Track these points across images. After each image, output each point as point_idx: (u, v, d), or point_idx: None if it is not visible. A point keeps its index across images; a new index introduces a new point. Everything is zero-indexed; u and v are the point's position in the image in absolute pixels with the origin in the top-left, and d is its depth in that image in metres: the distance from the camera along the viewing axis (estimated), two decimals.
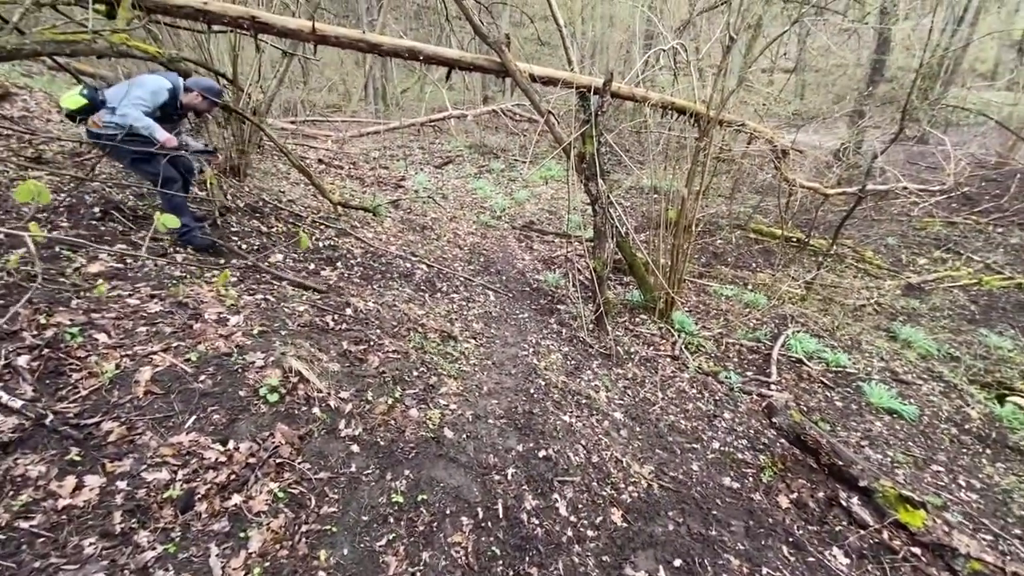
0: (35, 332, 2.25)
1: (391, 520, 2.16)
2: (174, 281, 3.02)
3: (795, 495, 3.16)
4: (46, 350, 2.18)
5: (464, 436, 2.81)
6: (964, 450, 4.08)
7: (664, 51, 5.66)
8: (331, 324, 3.32)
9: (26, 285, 2.48)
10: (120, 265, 2.99)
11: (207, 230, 3.93)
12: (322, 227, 5.19)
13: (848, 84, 15.57)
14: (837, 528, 2.93)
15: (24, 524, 1.62)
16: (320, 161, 8.75)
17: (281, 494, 2.04)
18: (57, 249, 2.88)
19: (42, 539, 1.61)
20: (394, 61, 16.53)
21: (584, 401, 3.66)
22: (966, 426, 4.35)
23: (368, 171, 9.07)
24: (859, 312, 6.63)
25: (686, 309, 5.82)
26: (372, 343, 3.29)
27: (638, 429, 3.59)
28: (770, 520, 2.92)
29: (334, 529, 2.03)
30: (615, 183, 9.58)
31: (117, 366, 2.24)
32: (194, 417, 2.17)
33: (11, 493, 1.68)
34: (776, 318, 5.77)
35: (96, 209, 3.52)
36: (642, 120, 6.88)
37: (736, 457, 3.50)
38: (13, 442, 1.81)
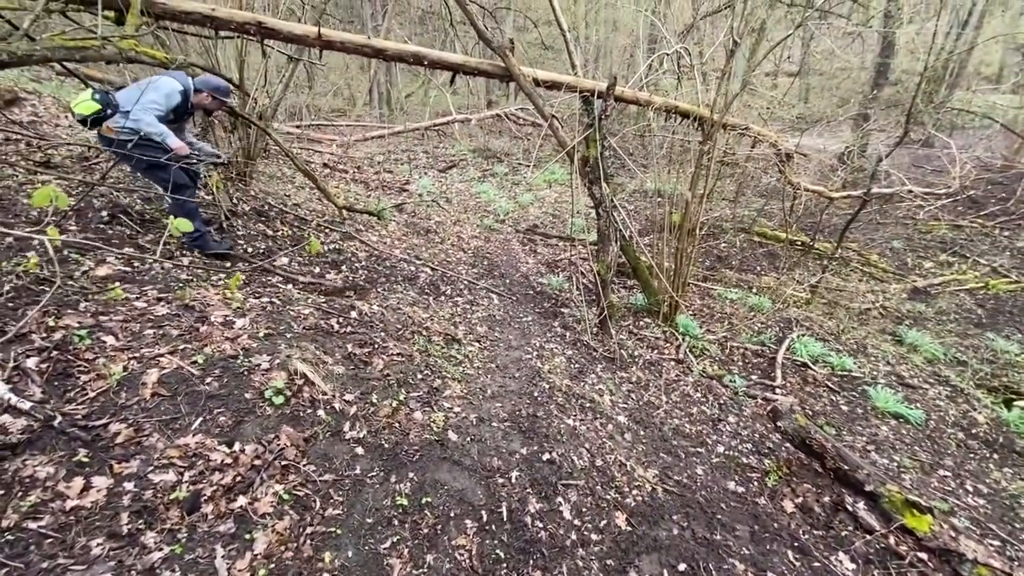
0: (44, 334, 2.27)
1: (395, 523, 2.16)
2: (181, 284, 3.05)
3: (800, 500, 3.15)
4: (55, 352, 2.20)
5: (468, 439, 2.82)
6: (971, 455, 4.05)
7: (668, 55, 5.68)
8: (336, 327, 3.33)
9: (35, 288, 2.51)
10: (128, 268, 3.01)
11: (215, 235, 3.96)
12: (327, 231, 5.22)
13: (852, 88, 15.53)
14: (843, 533, 2.91)
15: (32, 525, 1.63)
16: (325, 165, 8.80)
17: (286, 496, 2.05)
18: (65, 252, 2.91)
19: (50, 540, 1.62)
20: (398, 66, 16.64)
21: (588, 404, 3.65)
22: (973, 431, 4.32)
23: (372, 175, 9.11)
24: (864, 316, 6.60)
25: (690, 313, 5.81)
26: (377, 346, 3.31)
27: (642, 433, 3.59)
28: (775, 525, 2.91)
29: (339, 531, 2.03)
30: (619, 187, 9.59)
31: (125, 368, 2.25)
32: (200, 419, 2.18)
33: (20, 494, 1.70)
34: (781, 322, 5.75)
35: (104, 213, 3.56)
36: (646, 124, 6.89)
37: (741, 461, 3.49)
38: (22, 443, 1.83)
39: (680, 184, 5.39)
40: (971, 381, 5.15)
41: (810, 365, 4.90)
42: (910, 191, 7.50)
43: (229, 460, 2.07)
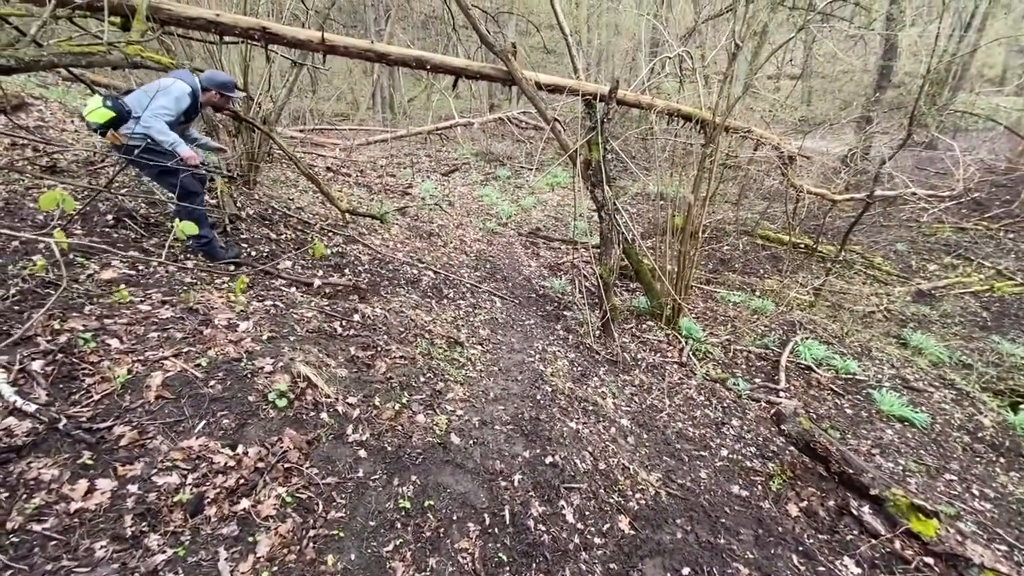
0: (49, 337, 2.28)
1: (398, 525, 2.16)
2: (185, 287, 3.06)
3: (805, 503, 3.13)
4: (60, 355, 2.22)
5: (471, 442, 2.81)
6: (977, 458, 4.02)
7: (670, 58, 5.69)
8: (339, 330, 3.34)
9: (41, 291, 2.52)
10: (132, 272, 3.03)
11: (221, 242, 3.96)
12: (330, 234, 5.24)
13: (855, 90, 15.52)
14: (848, 537, 2.89)
15: (37, 527, 1.64)
16: (328, 169, 8.84)
17: (289, 499, 2.05)
18: (71, 256, 2.93)
19: (54, 542, 1.63)
20: (401, 70, 16.72)
21: (591, 408, 3.65)
22: (979, 434, 4.29)
23: (375, 179, 9.15)
24: (868, 319, 6.57)
25: (693, 315, 5.80)
26: (379, 349, 3.31)
27: (645, 436, 3.57)
28: (779, 529, 2.89)
29: (341, 534, 2.03)
30: (621, 189, 9.60)
31: (129, 371, 2.27)
32: (204, 422, 2.19)
33: (24, 496, 1.71)
34: (784, 324, 5.73)
35: (109, 216, 3.58)
36: (648, 127, 6.90)
37: (745, 465, 3.47)
38: (27, 446, 1.84)
39: (683, 187, 5.39)
40: (977, 384, 5.11)
41: (814, 368, 4.88)
42: (914, 193, 7.46)
43: (232, 463, 2.08)
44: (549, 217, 9.49)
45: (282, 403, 2.42)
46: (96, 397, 2.11)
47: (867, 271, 8.14)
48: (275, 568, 1.80)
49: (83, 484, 1.80)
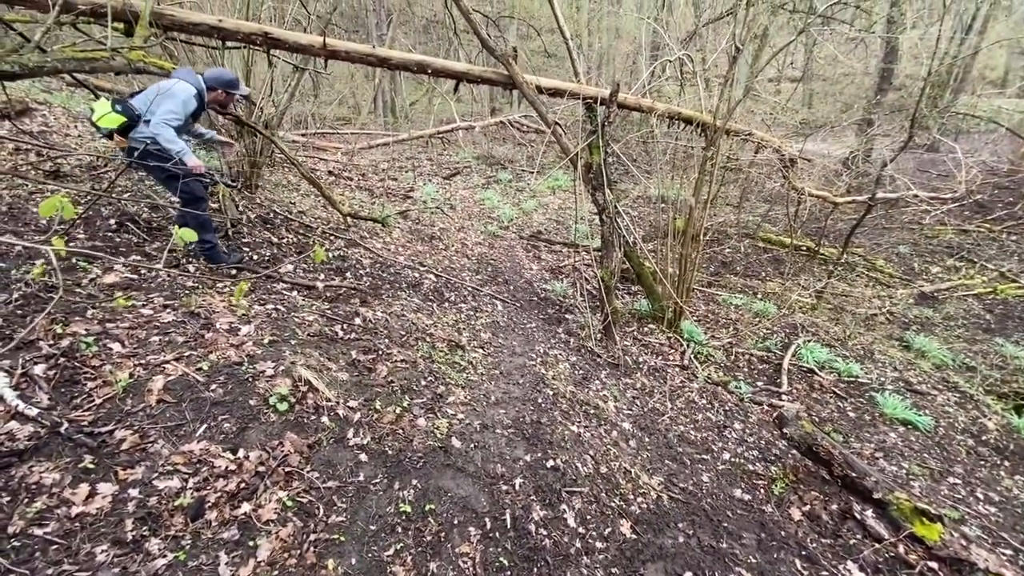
0: (51, 341, 2.29)
1: (399, 530, 2.16)
2: (187, 291, 3.07)
3: (808, 507, 3.11)
4: (62, 359, 2.22)
5: (472, 446, 2.81)
6: (982, 462, 3.99)
7: (670, 62, 5.70)
8: (340, 334, 3.34)
9: (43, 296, 2.53)
10: (134, 276, 3.04)
11: (224, 248, 3.96)
12: (332, 238, 5.25)
13: (856, 93, 15.51)
14: (851, 541, 2.87)
15: (38, 531, 1.64)
16: (330, 173, 8.87)
17: (290, 503, 2.05)
18: (73, 260, 2.94)
19: (55, 546, 1.63)
20: (403, 74, 16.77)
21: (592, 411, 3.64)
22: (983, 437, 4.26)
23: (377, 182, 9.17)
24: (871, 321, 6.55)
25: (695, 318, 5.79)
26: (381, 353, 3.31)
27: (647, 439, 3.56)
28: (782, 533, 2.88)
29: (342, 538, 2.03)
30: (622, 193, 9.61)
31: (131, 375, 2.27)
32: (205, 426, 2.19)
33: (26, 500, 1.71)
34: (786, 327, 5.72)
35: (112, 221, 3.60)
36: (649, 130, 6.91)
37: (747, 468, 3.46)
38: (29, 450, 1.84)
39: (684, 190, 5.40)
40: (980, 387, 5.09)
41: (816, 371, 4.86)
42: (916, 196, 7.45)
43: (233, 467, 2.08)
44: (550, 220, 9.50)
45: (283, 407, 2.42)
46: (98, 401, 2.12)
47: (869, 273, 8.12)
48: (276, 572, 1.80)
49: (84, 488, 1.80)
